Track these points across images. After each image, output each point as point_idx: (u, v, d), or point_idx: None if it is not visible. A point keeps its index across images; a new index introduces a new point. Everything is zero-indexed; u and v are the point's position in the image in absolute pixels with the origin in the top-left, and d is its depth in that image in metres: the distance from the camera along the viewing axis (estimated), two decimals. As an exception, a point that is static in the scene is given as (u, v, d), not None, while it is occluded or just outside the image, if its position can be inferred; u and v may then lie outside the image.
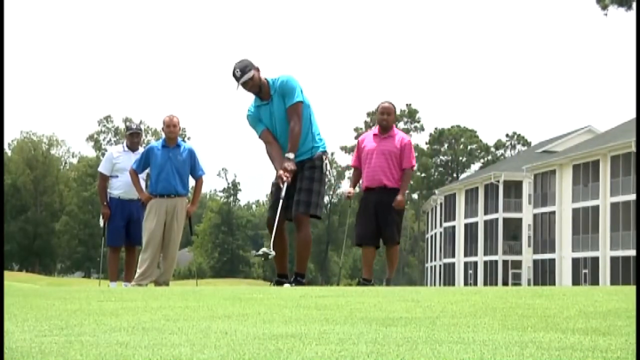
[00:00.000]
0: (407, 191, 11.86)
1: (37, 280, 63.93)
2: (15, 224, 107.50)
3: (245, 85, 9.56)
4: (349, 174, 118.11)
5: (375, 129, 11.61)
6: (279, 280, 9.86)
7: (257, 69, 9.57)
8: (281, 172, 9.45)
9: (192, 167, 12.20)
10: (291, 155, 9.48)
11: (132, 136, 13.40)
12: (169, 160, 12.06)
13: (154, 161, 12.11)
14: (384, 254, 11.90)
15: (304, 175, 9.60)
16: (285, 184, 9.43)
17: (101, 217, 13.26)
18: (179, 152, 12.13)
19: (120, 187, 13.02)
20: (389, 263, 11.35)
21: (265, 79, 9.64)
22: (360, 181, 11.63)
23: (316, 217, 9.74)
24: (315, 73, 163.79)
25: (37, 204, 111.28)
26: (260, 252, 9.47)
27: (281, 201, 9.47)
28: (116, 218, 13.01)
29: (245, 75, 9.48)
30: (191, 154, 12.21)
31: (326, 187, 10.08)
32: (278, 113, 9.58)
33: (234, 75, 9.54)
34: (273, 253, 9.37)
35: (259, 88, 9.57)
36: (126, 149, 13.27)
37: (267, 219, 9.86)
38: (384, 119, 11.35)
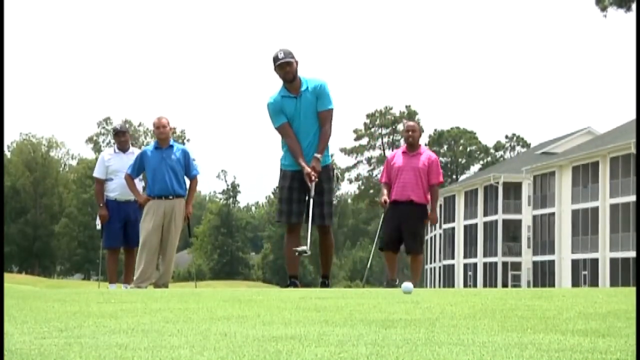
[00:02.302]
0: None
1: (36, 282, 63.93)
2: (15, 226, 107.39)
3: (282, 68, 9.79)
4: (348, 175, 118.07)
5: (403, 147, 12.34)
6: (294, 281, 10.03)
7: (297, 62, 9.84)
8: (309, 170, 9.79)
9: (186, 167, 12.18)
10: (319, 156, 9.88)
11: (118, 136, 13.39)
12: (163, 161, 12.04)
13: (148, 164, 12.11)
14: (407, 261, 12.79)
15: (324, 188, 9.99)
16: (314, 184, 9.79)
17: (98, 219, 13.26)
18: (172, 152, 12.13)
19: (116, 189, 13.01)
20: (414, 272, 12.10)
21: (299, 75, 9.91)
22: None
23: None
24: (313, 74, 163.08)
25: (36, 206, 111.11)
26: (300, 249, 9.94)
27: (311, 200, 9.85)
28: (113, 220, 12.99)
29: (288, 57, 9.74)
30: (184, 154, 12.21)
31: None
32: (305, 110, 9.86)
33: (275, 57, 9.78)
34: (309, 253, 9.91)
35: (293, 77, 9.81)
36: (117, 150, 13.29)
37: (291, 224, 10.04)
38: (410, 136, 12.08)
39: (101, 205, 13.08)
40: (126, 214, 12.99)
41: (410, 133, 12.04)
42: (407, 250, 11.97)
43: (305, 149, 9.89)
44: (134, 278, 12.01)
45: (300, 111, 9.84)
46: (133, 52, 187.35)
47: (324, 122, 9.90)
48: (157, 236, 12.03)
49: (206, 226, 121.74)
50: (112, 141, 14.11)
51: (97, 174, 13.27)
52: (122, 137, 13.36)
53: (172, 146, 12.17)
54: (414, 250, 11.91)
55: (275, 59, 9.76)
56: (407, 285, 7.61)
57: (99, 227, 13.33)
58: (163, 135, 12.10)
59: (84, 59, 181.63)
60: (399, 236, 11.93)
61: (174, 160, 12.07)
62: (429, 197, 12.00)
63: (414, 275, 12.01)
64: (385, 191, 12.01)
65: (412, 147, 12.03)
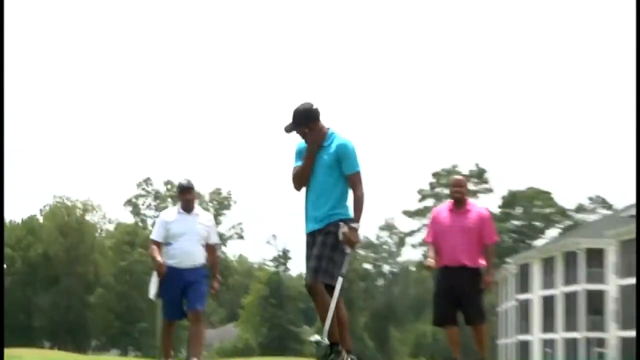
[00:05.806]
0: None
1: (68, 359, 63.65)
2: (47, 297, 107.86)
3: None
4: (410, 240, 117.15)
5: (449, 204, 12.20)
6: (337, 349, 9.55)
7: (314, 123, 9.82)
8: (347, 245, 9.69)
9: None
10: (357, 225, 9.68)
11: (183, 193, 12.85)
12: None
13: None
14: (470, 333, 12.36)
15: (325, 242, 9.74)
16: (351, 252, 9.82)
17: (151, 284, 12.57)
18: None
19: (176, 256, 12.52)
20: (479, 344, 11.92)
21: (327, 128, 9.95)
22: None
23: (328, 284, 9.67)
24: (374, 130, 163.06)
25: (70, 274, 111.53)
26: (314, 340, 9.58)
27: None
28: (172, 289, 12.43)
29: (291, 130, 9.87)
30: None
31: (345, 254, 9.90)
32: (320, 162, 9.88)
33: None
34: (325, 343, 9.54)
35: (305, 137, 9.87)
36: (180, 210, 12.71)
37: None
38: (457, 191, 12.02)
39: (157, 259, 12.35)
40: (185, 281, 12.35)
41: (457, 188, 11.95)
42: (467, 321, 11.77)
43: (314, 201, 9.87)
44: None
45: (316, 161, 9.88)
46: (175, 110, 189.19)
47: (354, 187, 9.82)
48: None
49: (254, 296, 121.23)
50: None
51: (154, 236, 12.73)
52: (188, 194, 12.82)
53: None
54: (476, 321, 11.71)
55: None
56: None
57: (152, 294, 12.54)
58: None
59: (121, 117, 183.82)
60: (454, 307, 11.73)
61: None
62: (482, 259, 11.75)
63: (479, 348, 11.89)
64: (432, 253, 11.81)
65: (460, 203, 11.94)
